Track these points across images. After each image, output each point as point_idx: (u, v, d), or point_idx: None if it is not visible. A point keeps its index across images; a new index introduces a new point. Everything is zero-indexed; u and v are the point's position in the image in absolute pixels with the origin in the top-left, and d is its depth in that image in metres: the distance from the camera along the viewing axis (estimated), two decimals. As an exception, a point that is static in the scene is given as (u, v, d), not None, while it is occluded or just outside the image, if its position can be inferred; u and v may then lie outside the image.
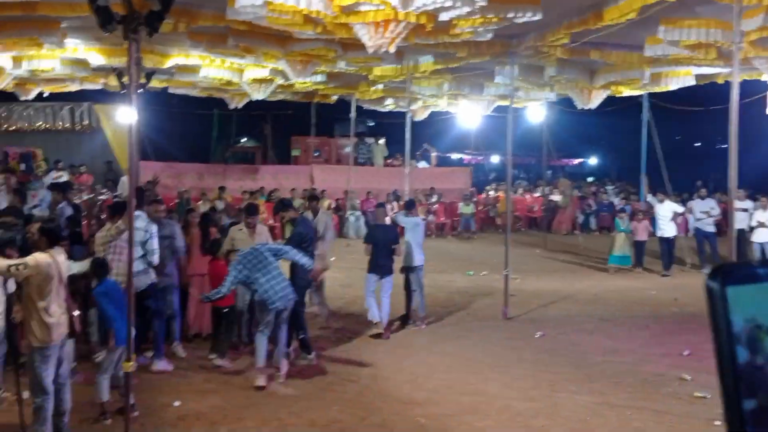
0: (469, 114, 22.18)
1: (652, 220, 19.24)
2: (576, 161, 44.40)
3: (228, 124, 33.88)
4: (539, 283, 16.52)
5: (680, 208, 19.64)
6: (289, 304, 8.95)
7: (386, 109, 22.35)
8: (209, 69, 14.89)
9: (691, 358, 10.35)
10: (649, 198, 19.75)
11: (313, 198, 13.47)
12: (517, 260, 16.81)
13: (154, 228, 9.14)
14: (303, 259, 9.25)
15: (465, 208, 24.93)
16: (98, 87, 19.12)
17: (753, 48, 10.23)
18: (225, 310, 9.77)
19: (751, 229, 18.14)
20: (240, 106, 21.10)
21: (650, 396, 8.78)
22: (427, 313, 12.44)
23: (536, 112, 22.94)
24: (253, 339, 9.55)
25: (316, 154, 30.11)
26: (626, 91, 16.36)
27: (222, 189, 22.65)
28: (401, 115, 19.44)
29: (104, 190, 20.36)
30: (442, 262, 18.66)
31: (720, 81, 13.83)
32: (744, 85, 12.36)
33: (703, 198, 19.58)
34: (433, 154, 32.67)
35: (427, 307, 12.54)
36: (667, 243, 18.46)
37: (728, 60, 10.12)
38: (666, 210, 18.57)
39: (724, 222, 21.12)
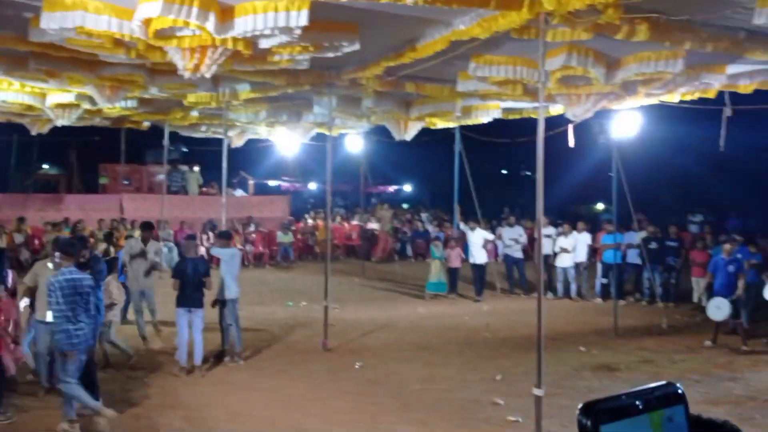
0: (287, 141, 22.09)
1: (465, 247, 19.91)
2: (392, 188, 45.43)
3: (29, 150, 31.70)
4: (358, 313, 16.58)
5: (490, 236, 20.48)
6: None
7: (202, 136, 21.76)
8: (7, 93, 13.81)
9: (503, 382, 10.68)
10: (462, 226, 20.43)
11: (147, 227, 12.95)
12: (337, 289, 16.84)
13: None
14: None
15: (284, 237, 24.72)
16: None
17: (556, 85, 10.83)
18: None
19: (555, 254, 19.22)
20: (44, 131, 19.78)
21: (467, 422, 8.95)
22: (245, 348, 12.11)
23: (354, 141, 23.23)
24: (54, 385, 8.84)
25: (125, 183, 28.83)
26: (440, 124, 16.86)
27: (21, 220, 21.10)
28: (217, 142, 19.01)
29: None
30: (260, 293, 18.34)
31: (525, 116, 14.59)
32: (549, 118, 13.08)
33: (512, 225, 20.58)
34: (251, 182, 32.27)
35: (245, 341, 12.21)
36: (479, 269, 19.16)
37: (534, 96, 10.65)
38: (477, 237, 19.29)
39: (530, 248, 22.28)
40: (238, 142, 21.46)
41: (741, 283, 13.42)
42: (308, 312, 16.19)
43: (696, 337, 14.14)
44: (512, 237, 20.11)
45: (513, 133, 17.89)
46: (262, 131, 20.49)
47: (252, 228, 25.13)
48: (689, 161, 30.13)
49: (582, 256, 19.19)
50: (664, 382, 0.97)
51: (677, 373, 11.27)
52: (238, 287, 11.84)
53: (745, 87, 11.49)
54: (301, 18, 6.80)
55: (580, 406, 0.92)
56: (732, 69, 10.80)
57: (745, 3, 7.73)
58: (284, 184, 39.05)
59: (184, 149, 32.08)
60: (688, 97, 12.24)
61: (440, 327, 15.22)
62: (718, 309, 13.24)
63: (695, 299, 17.75)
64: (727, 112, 11.90)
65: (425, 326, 15.28)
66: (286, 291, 19.18)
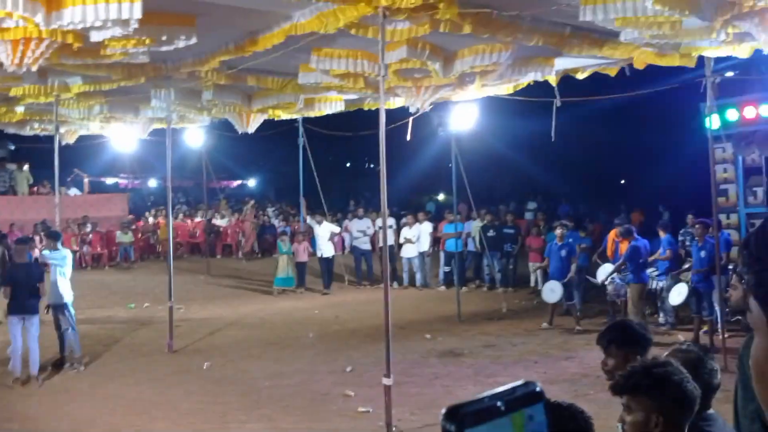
0: (124, 137, 21.21)
1: (312, 241, 19.92)
2: (235, 183, 44.73)
3: None
4: (205, 311, 16.26)
5: (337, 228, 20.62)
6: None
7: (30, 133, 20.48)
8: None
9: (353, 374, 10.79)
10: (308, 219, 20.43)
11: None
12: (181, 288, 16.41)
13: None
14: None
15: (123, 237, 23.74)
16: None
17: (396, 78, 11.00)
18: None
19: (399, 245, 19.61)
20: None
21: (318, 416, 8.97)
22: (85, 354, 11.57)
23: (195, 135, 22.61)
24: None
25: (-54, 184, 26.78)
26: (283, 115, 16.73)
27: None
28: (48, 139, 17.99)
29: None
30: (99, 296, 17.58)
31: (366, 108, 14.70)
32: (391, 111, 13.28)
33: (360, 218, 20.75)
34: (86, 180, 30.78)
35: (85, 346, 11.69)
36: (327, 262, 19.24)
37: (375, 88, 10.77)
38: (324, 230, 19.36)
39: (376, 239, 22.58)
40: (70, 139, 20.39)
41: (573, 267, 14.19)
42: (152, 313, 15.70)
43: (534, 319, 14.83)
44: (360, 229, 20.31)
45: (356, 126, 18.04)
46: (96, 127, 19.56)
47: (89, 228, 23.94)
48: (523, 151, 31.52)
49: (425, 245, 19.66)
50: (522, 382, 0.99)
51: (517, 355, 11.78)
52: (72, 290, 11.29)
53: (581, 73, 12.17)
54: (134, 10, 6.53)
55: (443, 411, 0.93)
56: (560, 62, 11.37)
57: (570, 1, 8.15)
58: (122, 182, 37.53)
59: (12, 146, 30.11)
60: (523, 86, 12.73)
61: (289, 322, 15.17)
62: (552, 292, 13.96)
63: (532, 283, 18.61)
64: (557, 103, 12.53)
65: (274, 322, 15.18)
66: (128, 293, 18.48)
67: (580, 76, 12.22)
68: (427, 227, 19.85)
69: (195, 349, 12.57)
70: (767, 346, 1.03)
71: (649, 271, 13.55)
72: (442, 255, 19.80)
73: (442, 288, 19.40)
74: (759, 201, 14.98)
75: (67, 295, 11.10)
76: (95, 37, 7.60)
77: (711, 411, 2.91)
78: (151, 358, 12.02)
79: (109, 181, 37.34)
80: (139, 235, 25.60)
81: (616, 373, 3.68)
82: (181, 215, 27.62)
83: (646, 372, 2.84)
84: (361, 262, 20.31)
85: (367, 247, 20.04)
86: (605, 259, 15.25)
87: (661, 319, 13.84)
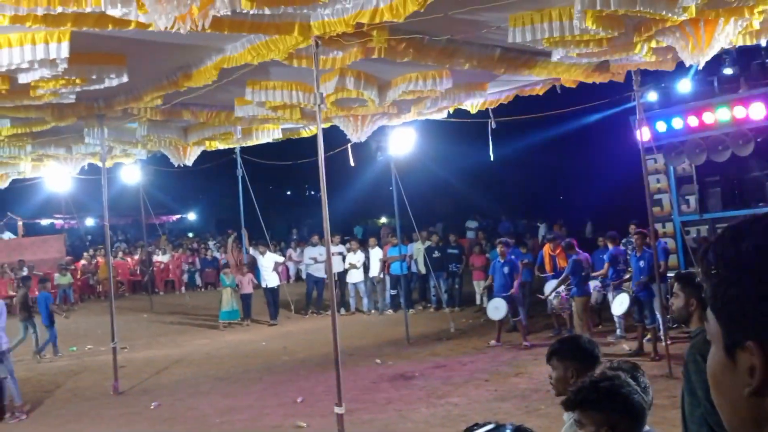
0: (57, 176, 20.77)
1: (256, 272, 19.75)
2: (175, 217, 44.17)
3: None
4: (150, 350, 15.94)
5: (281, 258, 20.50)
6: None
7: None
8: None
9: (304, 404, 10.68)
10: (251, 251, 20.25)
11: None
12: (125, 328, 16.10)
13: None
14: None
15: (62, 279, 23.16)
16: None
17: (333, 108, 11.04)
18: None
19: (346, 271, 19.57)
20: None
21: (271, 450, 8.86)
22: (26, 401, 11.23)
23: (131, 171, 22.27)
24: None
25: None
26: (220, 146, 16.60)
27: None
28: (-23, 184, 17.54)
29: None
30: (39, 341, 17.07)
31: (306, 135, 14.69)
32: (329, 136, 13.32)
33: (314, 245, 20.54)
34: (20, 223, 30.04)
35: (26, 394, 11.34)
36: (272, 293, 19.08)
37: (312, 119, 10.80)
38: (268, 261, 19.22)
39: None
40: (1, 184, 19.88)
41: (516, 283, 14.35)
42: (95, 355, 15.34)
43: (482, 337, 14.93)
44: (312, 256, 20.12)
45: (295, 153, 18.00)
46: (27, 168, 19.11)
47: (25, 272, 23.31)
48: (461, 172, 31.85)
49: (375, 270, 19.64)
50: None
51: (468, 374, 11.83)
52: (8, 337, 10.98)
53: (506, 98, 12.41)
54: (62, 50, 6.43)
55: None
56: (493, 86, 11.58)
57: (499, 23, 8.32)
58: (58, 222, 36.69)
59: (-60, 192, 29.24)
60: (454, 110, 12.92)
61: (237, 355, 14.97)
62: (497, 309, 14.08)
63: (478, 301, 18.75)
64: (492, 124, 12.74)
65: (221, 356, 14.97)
66: (69, 335, 17.97)
67: (505, 101, 12.47)
68: (376, 252, 19.84)
69: (142, 390, 12.30)
70: (722, 357, 1.05)
71: (593, 283, 13.77)
72: (387, 278, 19.81)
73: (390, 311, 19.40)
74: (692, 209, 15.43)
75: (3, 343, 10.77)
76: (23, 78, 7.47)
77: (647, 428, 2.97)
78: (96, 401, 11.72)
79: (44, 222, 36.50)
80: (78, 275, 25.02)
81: (558, 386, 3.75)
82: (120, 253, 27.11)
83: (594, 387, 2.89)
84: (312, 289, 20.14)
85: (321, 274, 19.72)
86: (544, 274, 15.54)
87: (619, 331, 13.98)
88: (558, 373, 3.75)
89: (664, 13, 6.98)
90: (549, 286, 14.61)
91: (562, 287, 13.76)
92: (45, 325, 15.59)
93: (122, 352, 13.45)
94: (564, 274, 13.67)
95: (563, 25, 7.82)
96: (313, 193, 41.26)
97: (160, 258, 26.72)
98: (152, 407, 11.05)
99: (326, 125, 12.30)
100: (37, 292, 14.16)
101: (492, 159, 13.54)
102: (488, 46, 9.41)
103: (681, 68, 11.02)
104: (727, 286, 1.04)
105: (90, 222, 38.10)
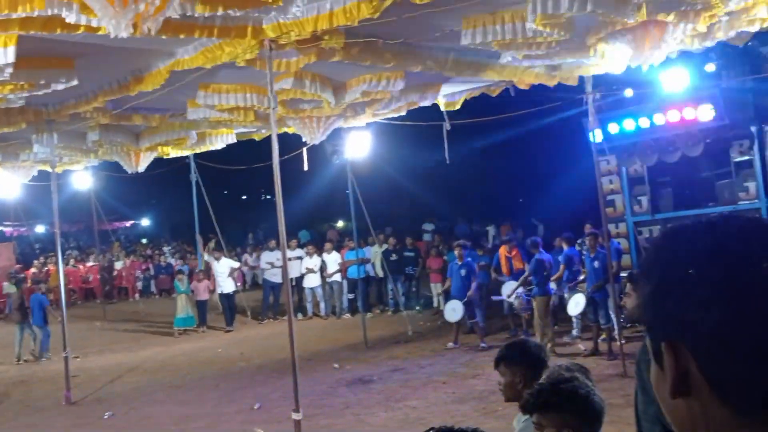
0: (5, 183, 20.31)
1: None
2: (128, 223, 43.57)
3: None
4: (103, 359, 15.67)
5: (236, 264, 20.31)
6: None
7: None
8: None
9: (261, 411, 10.59)
10: (206, 257, 20.04)
11: None
12: (77, 337, 15.83)
13: None
14: None
15: (11, 288, 22.64)
16: None
17: (287, 110, 10.96)
18: None
19: (303, 275, 19.46)
20: None
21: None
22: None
23: (82, 177, 21.89)
24: None
25: None
26: (173, 152, 16.40)
27: None
28: None
29: None
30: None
31: (258, 138, 14.56)
32: (284, 140, 13.23)
33: (272, 250, 20.34)
34: (-33, 231, 29.33)
35: (-25, 406, 11.07)
36: (228, 298, 18.90)
37: (266, 121, 10.69)
38: (223, 266, 19.03)
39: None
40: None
41: (474, 285, 14.39)
42: (47, 366, 15.02)
43: (439, 340, 14.97)
44: (269, 261, 19.94)
45: (249, 157, 17.82)
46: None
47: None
48: (417, 174, 31.91)
49: (335, 274, 19.54)
50: None
51: (426, 377, 11.84)
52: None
53: (457, 103, 12.48)
54: (7, 55, 6.28)
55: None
56: (446, 87, 11.62)
57: (452, 26, 8.33)
58: (7, 230, 35.89)
59: None
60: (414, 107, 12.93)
61: (193, 362, 14.80)
62: (454, 311, 14.13)
63: (435, 304, 18.80)
64: (447, 126, 12.77)
65: (177, 364, 14.77)
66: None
67: (458, 105, 12.53)
68: (334, 256, 19.75)
69: (95, 399, 12.09)
70: (654, 364, 1.05)
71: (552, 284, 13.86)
72: (344, 282, 19.75)
73: (347, 315, 19.35)
74: (644, 209, 15.65)
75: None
76: (-32, 83, 7.28)
77: None
78: (48, 412, 11.48)
79: (-7, 230, 35.68)
80: (29, 284, 24.48)
81: (507, 392, 3.76)
82: (72, 261, 26.62)
83: (554, 389, 2.90)
84: (269, 294, 19.96)
85: (278, 279, 19.49)
86: (501, 276, 15.64)
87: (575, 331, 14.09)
88: (507, 378, 3.75)
89: (616, 15, 7.05)
90: (507, 287, 14.69)
91: (522, 288, 13.85)
92: (38, 326, 15.98)
93: (75, 362, 13.19)
94: (525, 274, 13.77)
95: (515, 27, 7.87)
96: (268, 197, 40.91)
97: (117, 265, 26.31)
98: (105, 417, 10.86)
99: (281, 130, 12.23)
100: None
101: (448, 161, 13.58)
102: (442, 48, 9.43)
103: (630, 70, 11.17)
104: (643, 293, 1.06)
105: (40, 229, 37.36)
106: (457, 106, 12.59)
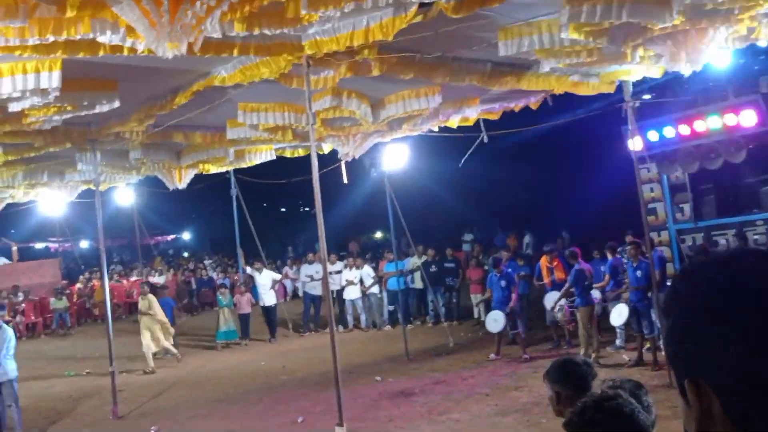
0: (51, 201, 20.71)
1: (253, 290, 19.69)
2: (170, 238, 44.13)
3: None
4: (148, 373, 15.84)
5: (278, 276, 20.45)
6: None
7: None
8: None
9: (305, 425, 10.62)
10: (248, 269, 20.20)
11: None
12: (122, 351, 16.04)
13: None
14: None
15: (57, 303, 23.06)
16: None
17: (325, 127, 11.04)
18: None
19: (343, 288, 19.52)
20: None
21: (273, 472, 8.79)
22: (26, 429, 11.15)
23: (125, 193, 22.24)
24: None
25: None
26: (213, 169, 16.61)
27: None
28: (-30, 210, 17.47)
29: None
30: (36, 366, 16.99)
31: (290, 155, 14.68)
32: (323, 155, 13.33)
33: (310, 263, 20.48)
34: (14, 248, 29.95)
35: (26, 421, 11.26)
36: (269, 311, 19.02)
37: (305, 138, 10.79)
38: (265, 279, 19.17)
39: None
40: (-4, 209, 19.78)
41: (514, 296, 14.30)
42: (93, 380, 15.25)
43: (481, 351, 14.89)
44: (309, 273, 20.07)
45: (289, 171, 17.95)
46: (19, 195, 19.03)
47: (21, 297, 23.24)
48: (455, 185, 31.76)
49: (374, 287, 19.58)
50: None
51: (468, 389, 11.79)
52: (15, 363, 10.91)
53: (496, 113, 12.47)
54: (53, 79, 6.42)
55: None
56: (484, 101, 11.61)
57: (489, 38, 8.34)
58: (53, 246, 36.61)
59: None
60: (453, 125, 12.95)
61: (236, 376, 14.90)
62: (495, 322, 14.04)
63: (476, 315, 18.71)
64: (484, 138, 12.76)
65: (220, 378, 14.89)
66: (66, 360, 17.95)
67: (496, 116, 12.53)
68: (368, 270, 19.79)
69: (141, 413, 12.23)
70: (683, 404, 1.06)
71: (594, 294, 13.71)
72: (384, 294, 19.76)
73: (388, 327, 19.35)
74: (686, 217, 15.45)
75: (11, 371, 10.71)
76: (14, 107, 7.45)
77: None
78: (96, 427, 11.65)
79: (39, 245, 36.40)
80: (75, 299, 24.93)
81: (553, 406, 3.74)
82: (115, 276, 27.01)
83: (598, 407, 2.87)
84: (309, 307, 20.07)
85: (317, 292, 19.63)
86: (542, 282, 15.52)
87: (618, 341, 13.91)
88: (550, 394, 3.76)
89: (653, 21, 7.00)
90: (549, 297, 14.56)
91: (564, 300, 13.72)
92: None
93: (120, 376, 13.36)
94: (567, 285, 13.64)
95: (553, 36, 7.85)
96: (307, 209, 41.12)
97: (156, 279, 26.61)
98: (152, 431, 10.99)
99: (320, 151, 12.33)
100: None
101: (486, 171, 13.58)
102: (479, 60, 9.44)
103: (673, 76, 11.07)
104: (665, 330, 1.08)
105: (84, 244, 38.03)
106: (495, 117, 12.58)
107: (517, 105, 12.19)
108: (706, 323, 0.99)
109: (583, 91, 11.14)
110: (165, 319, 16.69)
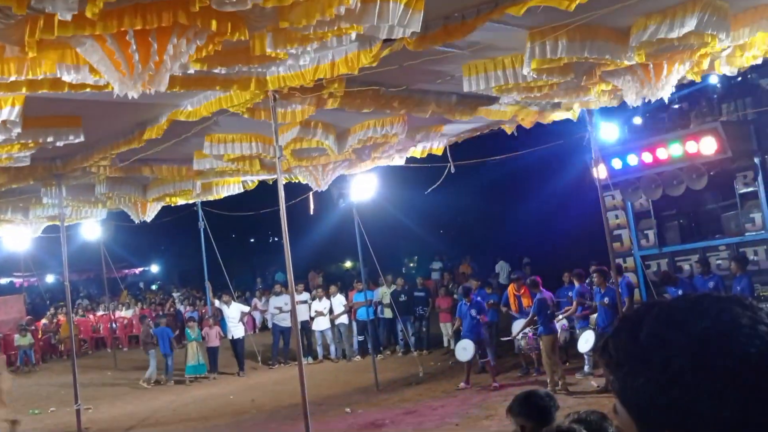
0: (16, 237, 20.44)
1: (221, 323, 19.54)
2: (137, 270, 43.66)
3: None
4: (115, 410, 15.61)
5: (246, 308, 20.32)
6: None
7: None
8: None
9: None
10: (216, 302, 20.06)
11: None
12: (88, 388, 15.79)
13: None
14: None
15: (22, 340, 22.60)
16: None
17: (292, 158, 11.07)
18: None
19: (312, 318, 19.45)
20: None
21: None
22: (-12, 471, 10.93)
23: (91, 227, 22.01)
24: None
25: None
26: (181, 201, 16.55)
27: None
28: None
29: None
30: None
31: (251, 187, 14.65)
32: (291, 185, 13.35)
33: (278, 294, 20.38)
34: (-22, 283, 29.40)
35: (-12, 463, 11.04)
36: (238, 344, 18.88)
37: (272, 170, 10.81)
38: (234, 311, 19.05)
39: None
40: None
41: (484, 324, 14.35)
42: (58, 418, 14.97)
43: (451, 380, 14.89)
44: (277, 305, 19.96)
45: (256, 202, 17.91)
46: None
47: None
48: (422, 215, 31.87)
49: (341, 317, 19.54)
50: None
51: (438, 419, 11.77)
52: None
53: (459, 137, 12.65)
54: (13, 114, 6.39)
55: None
56: (448, 128, 11.74)
57: (453, 72, 8.47)
58: (17, 280, 36.00)
59: None
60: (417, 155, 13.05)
61: (204, 410, 14.74)
62: (465, 350, 14.06)
63: (446, 344, 18.72)
64: (451, 168, 12.87)
65: (189, 412, 14.72)
66: (31, 398, 17.57)
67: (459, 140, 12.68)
68: (339, 299, 19.75)
69: (107, 452, 12.05)
70: None
71: (560, 323, 13.79)
72: (354, 324, 19.71)
73: (358, 358, 19.29)
74: (651, 243, 15.67)
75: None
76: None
77: None
78: (60, 467, 11.45)
79: (3, 281, 35.83)
80: (40, 335, 24.48)
81: None
82: (80, 311, 26.64)
83: None
84: (278, 339, 19.93)
85: (287, 324, 19.50)
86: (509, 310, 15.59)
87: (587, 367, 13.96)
88: (514, 428, 3.81)
89: (611, 58, 7.17)
90: (516, 325, 14.64)
91: (529, 328, 13.80)
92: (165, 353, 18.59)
93: (86, 413, 13.14)
94: (530, 315, 13.71)
95: (516, 71, 7.99)
96: (276, 239, 40.95)
97: (123, 313, 26.30)
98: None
99: (287, 180, 12.35)
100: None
101: (452, 201, 13.67)
102: (444, 92, 9.56)
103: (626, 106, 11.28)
104: (633, 377, 1.05)
105: (50, 279, 37.46)
106: (459, 140, 12.73)
107: (482, 130, 12.35)
108: (699, 376, 0.97)
109: (547, 119, 11.32)
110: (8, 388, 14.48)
